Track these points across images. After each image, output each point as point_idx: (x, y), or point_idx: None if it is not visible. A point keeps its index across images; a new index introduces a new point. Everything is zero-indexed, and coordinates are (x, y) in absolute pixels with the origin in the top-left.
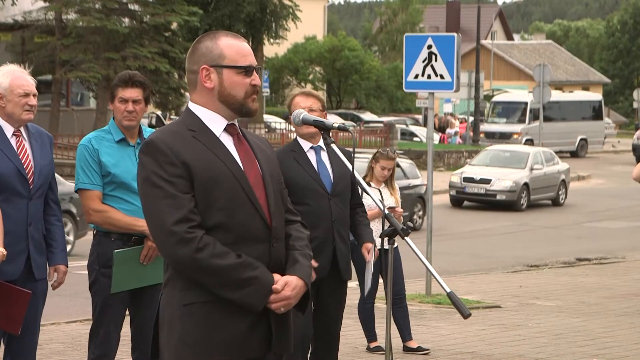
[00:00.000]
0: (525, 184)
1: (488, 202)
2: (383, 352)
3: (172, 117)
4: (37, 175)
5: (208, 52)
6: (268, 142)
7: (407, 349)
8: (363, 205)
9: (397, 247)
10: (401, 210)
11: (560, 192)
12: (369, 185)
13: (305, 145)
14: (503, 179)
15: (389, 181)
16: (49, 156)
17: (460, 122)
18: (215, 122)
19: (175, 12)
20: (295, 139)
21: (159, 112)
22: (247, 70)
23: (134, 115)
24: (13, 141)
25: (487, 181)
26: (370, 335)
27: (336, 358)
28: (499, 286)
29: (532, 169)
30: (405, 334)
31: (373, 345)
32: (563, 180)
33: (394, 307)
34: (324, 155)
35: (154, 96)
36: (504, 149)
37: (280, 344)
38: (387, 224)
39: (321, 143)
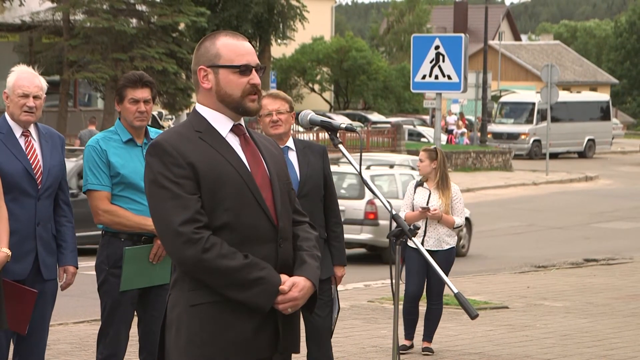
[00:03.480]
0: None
1: None
2: (402, 352)
3: (168, 117)
4: (46, 176)
5: (206, 52)
6: (276, 143)
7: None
8: (337, 214)
9: (452, 248)
10: (437, 211)
11: None
12: (422, 185)
13: None
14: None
15: (441, 183)
16: (59, 157)
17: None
18: (221, 123)
19: (182, 13)
20: None
21: (154, 113)
22: (243, 70)
23: (145, 116)
24: (22, 141)
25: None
26: (405, 333)
27: (327, 354)
28: (506, 287)
29: None
30: (424, 334)
31: (404, 343)
32: None
33: (428, 305)
34: (292, 156)
35: (162, 97)
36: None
37: (287, 344)
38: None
39: (289, 143)
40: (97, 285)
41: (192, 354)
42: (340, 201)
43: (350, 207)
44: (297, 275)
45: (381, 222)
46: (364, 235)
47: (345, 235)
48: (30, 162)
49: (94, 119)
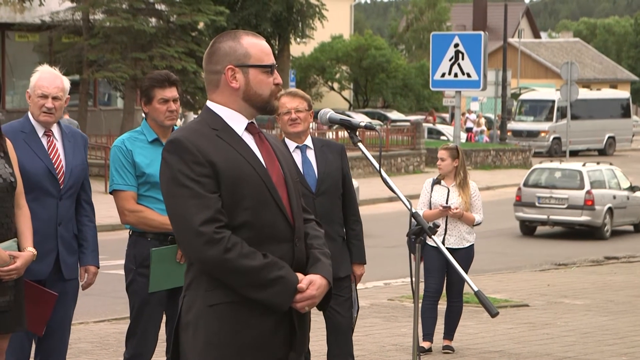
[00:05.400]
0: None
1: None
2: (422, 353)
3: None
4: (68, 176)
5: (232, 51)
6: (283, 142)
7: (444, 347)
8: (356, 212)
9: (472, 245)
10: (457, 210)
11: None
12: (439, 183)
13: (291, 145)
14: None
15: (460, 180)
16: (81, 157)
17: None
18: (237, 121)
19: (201, 12)
20: (283, 139)
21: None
22: (271, 69)
23: (175, 114)
24: (44, 141)
25: None
26: (424, 334)
27: (348, 351)
28: (526, 285)
29: None
30: (445, 332)
31: (422, 345)
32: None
33: (449, 303)
34: (310, 154)
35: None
36: None
37: (301, 343)
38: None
39: (307, 142)
40: (126, 285)
41: (210, 355)
42: (563, 191)
43: (573, 195)
44: (312, 274)
45: (597, 207)
46: (584, 217)
47: (568, 218)
48: (53, 161)
49: (67, 110)
